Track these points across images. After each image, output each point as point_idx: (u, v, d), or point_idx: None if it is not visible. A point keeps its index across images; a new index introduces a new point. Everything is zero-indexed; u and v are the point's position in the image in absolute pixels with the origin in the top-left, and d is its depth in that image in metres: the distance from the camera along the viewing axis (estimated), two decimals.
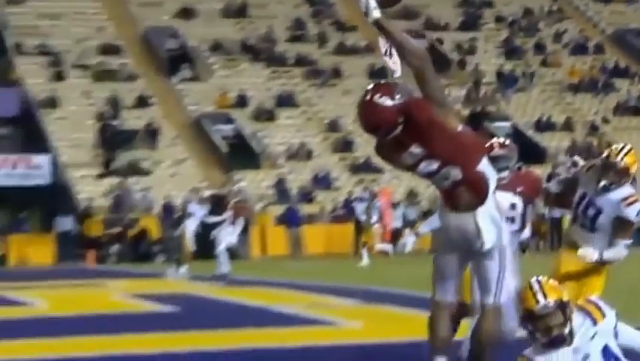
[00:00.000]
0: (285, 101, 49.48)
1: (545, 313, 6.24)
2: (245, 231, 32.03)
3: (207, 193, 30.43)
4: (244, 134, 47.15)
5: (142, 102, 48.15)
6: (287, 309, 17.06)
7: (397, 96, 6.33)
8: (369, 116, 6.37)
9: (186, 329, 14.75)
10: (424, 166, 6.40)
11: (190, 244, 27.34)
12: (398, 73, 6.42)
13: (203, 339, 13.55)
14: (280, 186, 44.47)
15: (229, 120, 47.93)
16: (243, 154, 45.57)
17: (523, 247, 11.31)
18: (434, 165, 6.36)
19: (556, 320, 6.28)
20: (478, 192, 6.46)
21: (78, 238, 40.43)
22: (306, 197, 44.18)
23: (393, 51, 6.36)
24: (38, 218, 42.92)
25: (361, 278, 24.30)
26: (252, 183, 44.54)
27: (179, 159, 45.91)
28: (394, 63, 6.37)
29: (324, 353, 12.13)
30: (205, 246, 29.94)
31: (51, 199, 42.37)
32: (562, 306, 6.30)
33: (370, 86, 6.55)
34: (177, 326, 15.27)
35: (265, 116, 48.88)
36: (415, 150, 6.36)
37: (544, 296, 6.23)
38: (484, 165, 6.46)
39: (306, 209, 42.81)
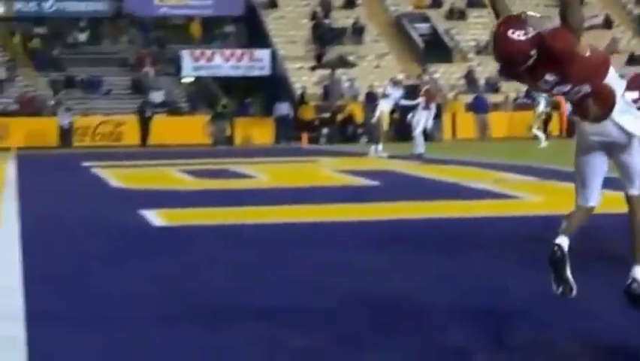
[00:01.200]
0: (475, 2, 48.85)
1: None
2: (437, 116, 31.89)
3: (400, 76, 30.11)
4: (438, 31, 46.93)
5: (349, 3, 48.19)
6: (476, 185, 16.94)
7: (530, 29, 5.99)
8: (504, 51, 6.04)
9: (388, 200, 14.79)
10: (557, 89, 6.16)
11: (385, 123, 27.18)
12: None
13: (403, 209, 13.57)
14: (469, 77, 44.32)
15: (425, 19, 47.70)
16: (437, 49, 45.44)
17: None
18: (567, 87, 6.11)
19: None
20: (605, 102, 6.16)
21: (293, 122, 40.88)
22: (493, 87, 43.98)
23: None
24: (260, 104, 43.49)
25: (540, 158, 23.95)
26: (445, 75, 44.56)
27: (381, 53, 45.89)
28: None
29: (511, 222, 12.03)
30: (403, 129, 29.91)
31: (271, 88, 42.91)
32: None
33: (501, 19, 6.18)
34: (380, 197, 15.33)
35: (457, 15, 48.52)
36: (549, 77, 6.07)
37: None
38: (611, 78, 6.16)
39: (492, 98, 42.64)
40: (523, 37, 5.95)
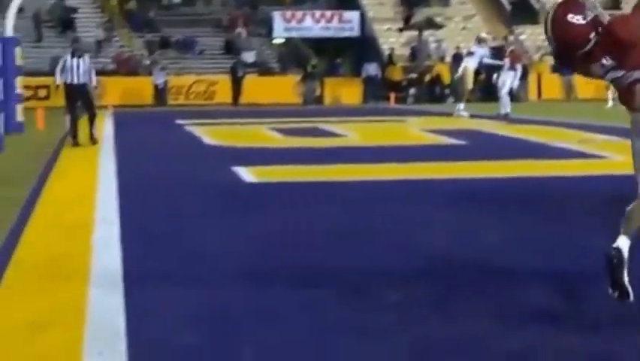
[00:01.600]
0: None
1: None
2: (523, 77, 31.50)
3: (485, 34, 29.73)
4: None
5: None
6: (561, 145, 16.75)
7: (588, 13, 5.69)
8: (564, 34, 5.72)
9: (474, 159, 14.70)
10: (611, 74, 5.81)
11: (469, 81, 26.89)
12: None
13: (489, 168, 13.47)
14: None
15: None
16: (523, 11, 44.87)
17: None
18: (621, 73, 5.78)
19: None
20: None
21: (381, 82, 40.77)
22: None
23: None
24: (349, 65, 43.40)
25: (626, 119, 23.53)
26: (531, 36, 43.96)
27: (468, 15, 45.47)
28: None
29: (596, 182, 11.89)
30: (489, 89, 29.61)
31: (359, 49, 42.80)
32: None
33: (560, 1, 5.87)
34: (466, 156, 15.24)
35: None
36: (606, 62, 5.76)
37: None
38: None
39: None
40: (583, 21, 5.67)
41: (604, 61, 5.76)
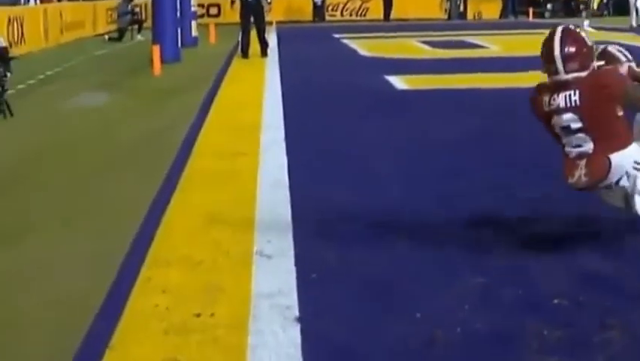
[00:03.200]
0: None
1: None
2: None
3: None
4: None
5: None
6: None
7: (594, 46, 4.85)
8: (571, 45, 4.74)
9: None
10: (567, 118, 4.72)
11: None
12: None
13: None
14: None
15: None
16: None
17: None
18: (577, 124, 4.71)
19: None
20: (595, 175, 4.75)
21: None
22: None
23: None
24: None
25: None
26: None
27: None
28: None
29: None
30: (619, 3, 28.53)
31: None
32: None
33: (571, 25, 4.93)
34: None
35: None
36: (574, 97, 4.70)
37: None
38: (619, 157, 4.68)
39: None
40: (589, 42, 4.83)
41: (572, 95, 4.74)
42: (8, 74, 11.07)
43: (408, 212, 5.86)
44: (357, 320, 4.17)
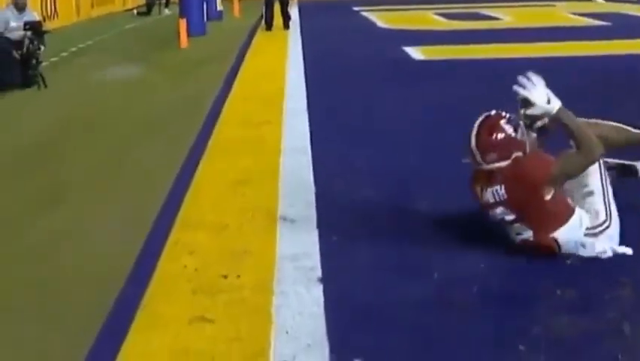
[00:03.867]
0: None
1: None
2: None
3: None
4: None
5: None
6: None
7: (520, 130, 4.40)
8: (487, 139, 4.38)
9: (617, 38, 14.12)
10: (499, 212, 4.45)
11: None
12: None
13: (632, 45, 12.94)
14: None
15: None
16: None
17: None
18: (510, 216, 4.43)
19: None
20: (548, 253, 4.39)
21: None
22: None
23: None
24: None
25: None
26: None
27: None
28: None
29: None
30: None
31: None
32: None
33: (486, 114, 4.51)
34: (609, 36, 14.64)
35: None
36: (500, 190, 4.42)
37: None
38: (564, 233, 4.36)
39: None
40: (513, 134, 4.40)
41: (498, 188, 4.43)
42: (42, 47, 11.10)
43: (425, 178, 5.84)
44: (377, 280, 4.17)
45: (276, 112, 8.34)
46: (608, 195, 4.49)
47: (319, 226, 4.92)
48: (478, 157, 4.41)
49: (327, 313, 3.84)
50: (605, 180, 4.54)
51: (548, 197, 4.31)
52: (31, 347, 3.75)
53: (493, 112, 4.51)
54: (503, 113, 4.48)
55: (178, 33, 15.45)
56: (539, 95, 4.47)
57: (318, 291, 4.05)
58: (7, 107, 9.76)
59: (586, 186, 4.48)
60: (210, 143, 7.16)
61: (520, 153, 4.38)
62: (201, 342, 3.65)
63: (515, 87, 4.49)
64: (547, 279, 4.10)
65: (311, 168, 6.15)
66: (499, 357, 3.47)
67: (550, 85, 4.57)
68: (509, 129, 4.40)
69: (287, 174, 6.06)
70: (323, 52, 13.65)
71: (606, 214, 4.43)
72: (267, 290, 4.09)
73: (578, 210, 4.41)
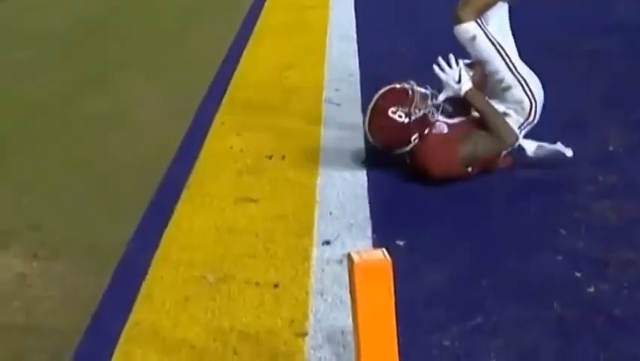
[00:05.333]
0: None
1: None
2: None
3: None
4: None
5: None
6: None
7: (415, 110, 3.94)
8: (380, 130, 3.98)
9: None
10: None
11: None
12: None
13: None
14: None
15: None
16: None
17: None
18: None
19: None
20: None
21: None
22: None
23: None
24: None
25: None
26: None
27: None
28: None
29: None
30: None
31: None
32: None
33: (384, 90, 4.03)
34: None
35: None
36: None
37: None
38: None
39: None
40: (405, 119, 3.93)
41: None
42: None
43: None
44: None
45: None
46: (523, 80, 4.05)
47: (363, 109, 4.85)
48: (378, 145, 4.03)
49: (370, 193, 3.80)
50: (509, 58, 4.07)
51: (470, 169, 3.95)
52: (84, 224, 3.77)
53: (388, 88, 4.04)
54: (398, 86, 4.04)
55: None
56: (451, 75, 4.06)
57: (362, 174, 4.02)
58: None
59: (501, 82, 4.05)
60: (257, 27, 7.06)
61: (417, 135, 3.93)
62: (246, 220, 3.64)
63: (434, 66, 4.09)
64: (590, 166, 4.02)
65: (356, 53, 6.05)
66: (541, 237, 3.42)
67: None
68: (399, 118, 3.92)
69: (332, 58, 5.97)
70: None
71: (529, 100, 4.04)
72: (312, 171, 4.06)
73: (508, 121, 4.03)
